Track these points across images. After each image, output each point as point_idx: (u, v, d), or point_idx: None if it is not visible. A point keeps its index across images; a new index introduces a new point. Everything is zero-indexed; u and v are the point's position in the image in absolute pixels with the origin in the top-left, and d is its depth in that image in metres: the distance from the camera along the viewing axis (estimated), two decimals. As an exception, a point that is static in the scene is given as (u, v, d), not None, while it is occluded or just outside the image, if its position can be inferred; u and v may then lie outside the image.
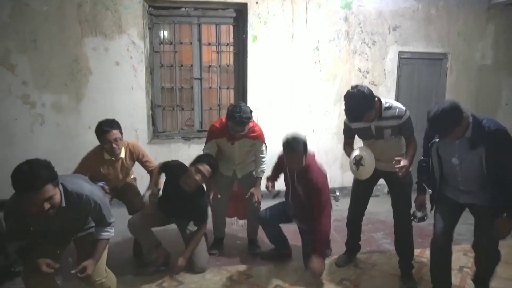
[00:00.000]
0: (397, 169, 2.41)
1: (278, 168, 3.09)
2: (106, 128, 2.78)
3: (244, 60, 4.48)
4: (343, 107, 4.55)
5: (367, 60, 4.68)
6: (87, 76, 4.06)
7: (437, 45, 4.85)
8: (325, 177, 2.76)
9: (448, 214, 2.34)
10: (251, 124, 3.01)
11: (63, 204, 1.88)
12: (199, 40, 4.48)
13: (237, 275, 2.86)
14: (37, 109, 4.02)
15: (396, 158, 2.45)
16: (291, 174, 2.83)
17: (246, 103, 4.42)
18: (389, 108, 2.55)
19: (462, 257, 3.12)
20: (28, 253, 2.04)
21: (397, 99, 4.80)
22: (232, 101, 4.70)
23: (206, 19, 4.47)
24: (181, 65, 4.53)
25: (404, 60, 4.83)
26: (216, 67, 4.59)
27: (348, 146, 2.86)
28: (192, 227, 2.97)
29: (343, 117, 4.58)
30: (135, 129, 4.22)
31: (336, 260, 3.05)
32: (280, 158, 3.04)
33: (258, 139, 3.10)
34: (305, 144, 2.65)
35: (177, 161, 2.99)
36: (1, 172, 3.72)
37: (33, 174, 1.69)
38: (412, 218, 2.60)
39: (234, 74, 4.65)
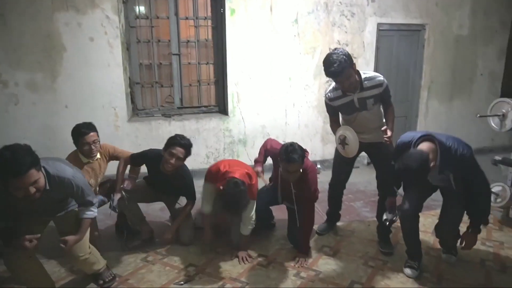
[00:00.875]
0: (386, 139, 2.52)
1: (265, 153, 2.99)
2: (84, 130, 2.79)
3: (223, 34, 4.42)
4: (323, 80, 4.67)
5: (346, 32, 4.68)
6: (61, 52, 3.94)
7: (415, 16, 4.88)
8: (316, 174, 2.77)
9: (418, 192, 2.49)
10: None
11: (47, 187, 1.91)
12: (176, 14, 4.38)
13: (222, 248, 2.93)
14: (10, 88, 3.89)
15: (382, 129, 2.53)
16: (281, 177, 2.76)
17: (226, 78, 4.41)
18: (370, 78, 2.60)
19: (435, 221, 3.27)
20: (10, 234, 2.04)
21: (376, 71, 4.85)
22: (212, 77, 4.66)
23: (182, -8, 4.36)
24: (159, 41, 4.44)
25: (383, 32, 4.85)
26: (195, 42, 4.51)
27: (334, 124, 2.88)
28: (181, 202, 3.06)
29: (323, 90, 4.65)
30: (114, 107, 4.15)
31: (317, 229, 3.15)
32: (269, 150, 2.94)
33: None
34: (303, 155, 2.51)
35: (150, 150, 2.95)
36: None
37: (17, 160, 1.70)
38: (383, 220, 2.65)
39: (213, 49, 4.59)
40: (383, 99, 2.69)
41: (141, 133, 4.28)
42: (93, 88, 4.07)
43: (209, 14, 4.49)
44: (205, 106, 4.69)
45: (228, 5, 4.24)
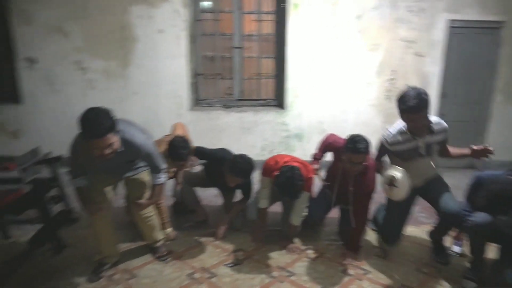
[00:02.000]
0: (489, 153, 2.39)
1: (325, 148, 2.96)
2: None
3: (285, 29, 4.45)
4: (385, 77, 4.51)
5: (413, 29, 4.47)
6: (133, 43, 4.25)
7: (493, 12, 4.51)
8: (375, 172, 2.69)
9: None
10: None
11: (121, 150, 2.11)
12: (240, 8, 4.49)
13: (272, 236, 2.99)
14: (89, 74, 4.28)
15: (476, 148, 2.42)
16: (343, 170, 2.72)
17: (286, 72, 4.44)
18: (436, 123, 2.46)
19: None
20: (86, 192, 2.31)
21: (444, 72, 4.58)
22: (272, 71, 4.72)
23: (248, -13, 4.46)
24: (222, 34, 4.59)
25: (455, 29, 4.55)
26: (256, 36, 4.60)
27: (380, 163, 2.72)
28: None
29: (384, 88, 4.51)
30: (177, 96, 4.39)
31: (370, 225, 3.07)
32: (331, 144, 2.90)
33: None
34: (368, 146, 2.48)
35: (219, 152, 3.05)
36: (61, 131, 4.11)
37: (98, 123, 1.91)
38: (450, 252, 2.62)
39: (274, 43, 4.64)
40: (443, 144, 2.57)
41: (201, 122, 4.48)
42: (160, 77, 4.33)
43: (272, 8, 4.54)
44: (263, 99, 4.77)
45: (291, 0, 4.26)
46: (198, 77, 4.64)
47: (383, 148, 2.61)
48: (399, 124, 2.49)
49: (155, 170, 2.39)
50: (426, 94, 2.28)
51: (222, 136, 4.53)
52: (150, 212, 2.55)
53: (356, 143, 2.42)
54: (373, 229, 3.08)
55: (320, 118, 4.60)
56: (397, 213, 2.76)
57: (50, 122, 4.36)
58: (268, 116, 4.54)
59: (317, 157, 2.97)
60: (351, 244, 2.78)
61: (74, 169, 2.26)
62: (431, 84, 4.56)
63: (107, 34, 4.20)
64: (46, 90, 4.27)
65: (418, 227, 3.24)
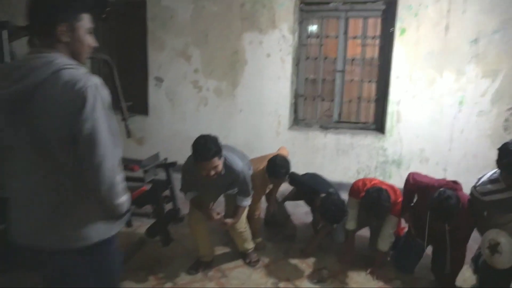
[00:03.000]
0: None
1: (409, 194, 2.73)
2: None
3: (389, 53, 4.41)
4: (503, 107, 4.11)
5: (541, 54, 4.01)
6: (243, 66, 4.69)
7: None
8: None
9: None
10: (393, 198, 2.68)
11: (223, 172, 2.48)
12: (345, 33, 4.61)
13: (358, 259, 2.98)
14: (203, 92, 4.86)
15: None
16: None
17: (388, 97, 4.38)
18: None
19: None
20: (198, 202, 2.71)
21: None
22: (373, 94, 4.70)
23: (354, 13, 4.56)
24: (326, 58, 4.76)
25: None
26: (360, 60, 4.65)
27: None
28: None
29: (502, 118, 4.11)
30: (278, 115, 4.67)
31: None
32: (416, 186, 2.69)
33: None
34: (458, 203, 2.27)
35: (305, 180, 3.29)
36: (177, 141, 4.74)
37: (207, 148, 2.31)
38: None
39: (378, 67, 4.63)
40: None
41: (298, 141, 4.67)
42: (264, 97, 4.68)
43: (378, 33, 4.55)
44: (362, 123, 4.76)
45: (398, 25, 4.23)
46: (299, 98, 4.87)
47: (474, 200, 2.37)
48: (492, 173, 2.28)
49: (244, 193, 2.68)
50: None
51: (318, 156, 4.64)
52: (243, 227, 2.82)
53: (443, 202, 2.22)
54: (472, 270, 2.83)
55: (422, 146, 4.38)
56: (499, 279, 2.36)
57: (168, 132, 5.05)
58: (366, 140, 4.51)
59: (405, 209, 2.73)
60: (444, 282, 2.61)
61: (185, 185, 2.68)
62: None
63: (221, 57, 4.73)
64: (167, 105, 4.98)
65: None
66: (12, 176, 1.31)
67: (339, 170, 4.60)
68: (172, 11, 4.80)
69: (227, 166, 2.50)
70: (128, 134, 3.23)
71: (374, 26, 4.58)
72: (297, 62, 4.76)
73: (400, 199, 2.69)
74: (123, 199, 1.34)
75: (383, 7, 4.43)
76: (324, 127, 4.74)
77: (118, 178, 1.29)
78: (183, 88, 4.91)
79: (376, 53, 4.61)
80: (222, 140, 5.04)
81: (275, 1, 4.47)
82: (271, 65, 4.62)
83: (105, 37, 5.50)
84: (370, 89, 4.71)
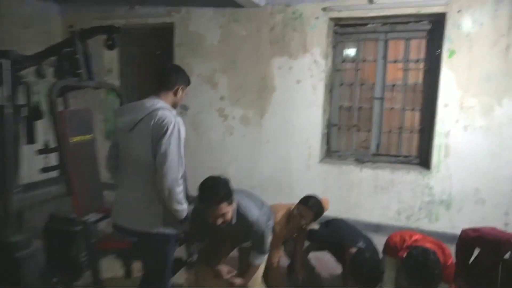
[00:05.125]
0: None
1: (467, 248, 2.30)
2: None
3: (436, 78, 3.89)
4: None
5: None
6: (272, 93, 4.37)
7: None
8: None
9: None
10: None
11: (234, 221, 2.11)
12: (385, 57, 4.17)
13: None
14: (229, 121, 4.58)
15: None
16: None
17: (434, 127, 3.83)
18: None
19: None
20: (207, 254, 2.37)
21: None
22: (416, 124, 4.16)
23: (395, 34, 4.13)
24: (362, 84, 4.32)
25: None
26: (401, 86, 4.16)
27: None
28: None
29: None
30: (308, 146, 4.26)
31: None
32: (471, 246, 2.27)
33: None
34: None
35: (327, 235, 2.79)
36: (202, 169, 4.47)
37: (214, 191, 1.97)
38: None
39: (422, 94, 4.11)
40: None
41: (330, 175, 4.21)
42: (293, 126, 4.30)
43: (422, 56, 4.06)
44: (404, 156, 4.21)
45: (446, 46, 3.72)
46: (332, 128, 4.44)
47: None
48: None
49: (258, 248, 2.26)
50: None
51: (353, 193, 4.14)
52: (257, 285, 2.40)
53: None
54: None
55: (477, 185, 3.74)
56: None
57: (193, 163, 4.78)
58: (409, 176, 3.95)
59: (459, 272, 2.24)
60: None
61: (194, 231, 2.30)
62: None
63: (249, 84, 4.45)
64: (192, 134, 4.74)
65: None
66: (120, 180, 2.03)
67: (377, 210, 4.06)
68: (199, 36, 4.64)
69: (239, 214, 2.13)
70: None
71: (418, 48, 4.10)
72: (330, 89, 4.37)
73: (451, 260, 2.16)
74: (181, 207, 1.88)
75: (428, 27, 3.96)
76: (360, 161, 4.24)
77: (178, 189, 1.83)
78: (208, 116, 4.67)
79: (420, 78, 4.11)
80: (248, 173, 4.73)
81: (306, 23, 4.16)
82: (301, 92, 4.25)
83: (133, 63, 5.48)
84: (413, 118, 4.18)
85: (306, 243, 2.88)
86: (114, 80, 5.47)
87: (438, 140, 3.83)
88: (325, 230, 2.72)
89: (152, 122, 1.81)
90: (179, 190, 1.83)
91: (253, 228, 2.16)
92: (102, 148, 2.41)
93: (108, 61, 5.37)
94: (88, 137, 2.40)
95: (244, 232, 2.20)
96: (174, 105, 1.99)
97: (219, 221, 2.00)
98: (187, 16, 4.69)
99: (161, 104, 1.89)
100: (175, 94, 1.98)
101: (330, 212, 3.06)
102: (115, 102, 5.64)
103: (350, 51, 4.40)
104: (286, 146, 4.34)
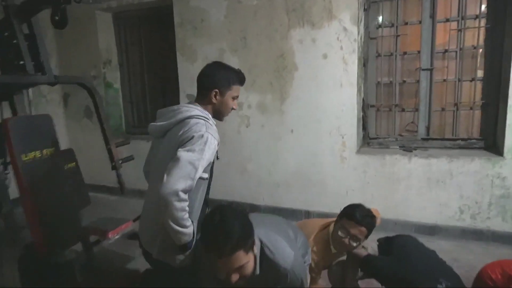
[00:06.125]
0: None
1: None
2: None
3: (504, 36, 3.03)
4: None
5: None
6: (292, 72, 3.61)
7: None
8: None
9: None
10: None
11: (258, 272, 1.44)
12: (432, 16, 3.32)
13: None
14: (244, 110, 3.87)
15: None
16: None
17: (505, 100, 2.98)
18: None
19: None
20: None
21: None
22: (478, 98, 3.32)
23: (445, -14, 3.26)
24: (404, 53, 3.50)
25: None
26: (456, 51, 3.31)
27: None
28: None
29: None
30: (342, 134, 3.49)
31: None
32: None
33: None
34: None
35: (385, 266, 1.92)
36: (216, 169, 3.80)
37: (225, 233, 1.29)
38: None
39: (485, 60, 3.25)
40: None
41: (371, 168, 3.45)
42: (321, 111, 3.55)
43: (483, 10, 3.18)
44: (462, 139, 3.39)
45: (520, -7, 2.83)
46: (369, 110, 3.65)
47: None
48: None
49: None
50: None
51: (400, 188, 3.37)
52: None
53: None
54: None
55: None
56: None
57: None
58: (472, 165, 3.13)
59: None
60: None
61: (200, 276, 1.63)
62: None
63: (264, 64, 3.70)
64: (203, 127, 4.08)
65: None
66: (147, 190, 1.79)
67: (431, 208, 3.29)
68: (202, 12, 3.91)
69: (266, 259, 1.46)
70: (122, 188, 2.34)
71: (477, 0, 3.21)
72: (364, 62, 3.56)
73: None
74: (178, 228, 1.48)
75: (490, -29, 3.07)
76: (407, 148, 3.46)
77: (177, 204, 1.45)
78: (219, 105, 3.96)
79: (481, 39, 3.24)
80: (270, 169, 4.01)
81: (330, -18, 3.34)
82: (329, 69, 3.47)
83: (133, 52, 4.83)
84: (473, 91, 3.32)
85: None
86: (114, 72, 4.87)
87: (511, 117, 2.98)
88: (390, 261, 1.91)
89: (181, 131, 1.59)
90: (179, 206, 1.45)
91: (287, 278, 1.47)
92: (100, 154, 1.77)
93: (105, 51, 4.75)
94: (47, 152, 1.76)
95: (273, 283, 1.51)
96: (217, 114, 1.78)
97: (234, 277, 1.33)
98: (186, -11, 3.96)
99: (197, 112, 1.65)
100: (211, 100, 1.72)
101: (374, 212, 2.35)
102: (117, 96, 5.07)
103: (387, 14, 3.55)
104: (314, 136, 3.59)
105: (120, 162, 2.26)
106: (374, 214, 2.09)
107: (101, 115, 2.12)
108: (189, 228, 1.51)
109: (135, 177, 4.60)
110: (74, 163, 2.31)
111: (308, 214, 3.74)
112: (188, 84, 4.08)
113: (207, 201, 1.74)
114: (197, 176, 1.50)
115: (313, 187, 3.67)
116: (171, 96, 4.49)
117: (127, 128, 5.03)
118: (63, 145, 5.17)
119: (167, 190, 1.42)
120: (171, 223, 1.46)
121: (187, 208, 1.49)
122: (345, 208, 2.05)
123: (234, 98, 1.78)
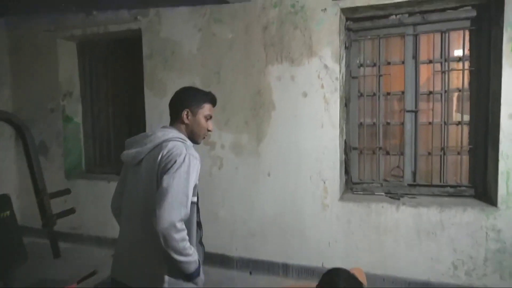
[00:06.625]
0: None
1: None
2: None
3: (489, 79, 2.90)
4: None
5: None
6: (270, 110, 3.34)
7: None
8: None
9: None
10: None
11: None
12: (415, 57, 3.18)
13: None
14: (216, 150, 3.53)
15: None
16: None
17: (494, 146, 2.78)
18: None
19: None
20: None
21: None
22: (464, 142, 3.13)
23: (427, 27, 3.15)
24: (388, 93, 3.31)
25: None
26: (441, 94, 3.15)
27: None
28: None
29: None
30: (323, 179, 3.19)
31: None
32: None
33: None
34: None
35: None
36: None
37: None
38: None
39: (470, 103, 3.10)
40: None
41: (355, 217, 3.13)
42: (301, 153, 3.25)
43: (467, 52, 3.07)
44: (451, 186, 3.16)
45: (506, 36, 2.72)
46: (351, 152, 3.39)
47: None
48: None
49: None
50: None
51: (387, 240, 3.05)
52: None
53: None
54: None
55: None
56: None
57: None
58: (465, 215, 2.88)
59: None
60: None
61: None
62: None
63: (240, 101, 3.42)
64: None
65: None
66: (122, 224, 1.71)
67: (423, 263, 2.97)
68: (174, 44, 3.63)
69: None
70: (55, 252, 1.91)
71: (460, 42, 3.10)
72: (346, 102, 3.35)
73: None
74: (182, 258, 1.49)
75: (472, 13, 2.99)
76: (394, 195, 3.19)
77: (176, 235, 1.44)
78: (189, 144, 3.60)
79: (465, 82, 3.10)
80: (244, 216, 3.63)
81: (311, 18, 3.17)
82: (309, 108, 3.22)
83: (97, 83, 4.46)
84: (460, 134, 3.13)
85: None
86: (74, 105, 4.45)
87: (504, 164, 2.78)
88: None
89: (160, 155, 1.56)
90: (178, 237, 1.47)
91: None
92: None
93: (66, 82, 4.35)
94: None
95: None
96: (193, 135, 1.73)
97: None
98: (156, 19, 3.69)
99: (173, 134, 1.65)
100: (184, 121, 1.70)
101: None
102: (77, 131, 4.62)
103: (368, 53, 3.40)
104: (293, 180, 3.27)
105: (54, 218, 1.82)
106: (359, 274, 1.75)
107: (32, 157, 1.72)
108: (193, 255, 1.55)
109: (94, 222, 4.15)
110: (9, 211, 1.92)
111: (286, 268, 3.33)
112: (156, 120, 3.72)
113: (199, 223, 1.72)
114: (189, 202, 1.51)
115: (292, 237, 3.29)
116: (137, 133, 4.06)
117: (87, 166, 4.55)
118: (13, 184, 4.67)
119: (164, 225, 1.43)
120: (175, 255, 1.48)
121: (187, 237, 1.51)
122: (324, 276, 1.70)
123: (207, 117, 1.75)
